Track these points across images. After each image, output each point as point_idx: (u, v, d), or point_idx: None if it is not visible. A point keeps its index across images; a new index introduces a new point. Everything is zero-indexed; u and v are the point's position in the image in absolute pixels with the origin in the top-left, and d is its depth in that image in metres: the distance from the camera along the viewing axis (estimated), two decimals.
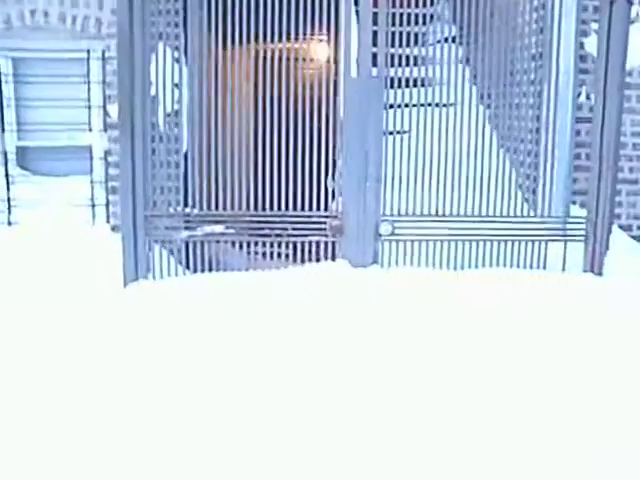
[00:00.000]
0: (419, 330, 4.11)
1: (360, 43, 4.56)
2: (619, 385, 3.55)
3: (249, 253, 4.94)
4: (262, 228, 4.71)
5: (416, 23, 5.16)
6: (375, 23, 4.57)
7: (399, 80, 5.03)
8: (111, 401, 3.34)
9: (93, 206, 5.32)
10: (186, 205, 4.74)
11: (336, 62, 4.91)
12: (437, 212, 4.75)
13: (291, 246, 4.82)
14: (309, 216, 4.72)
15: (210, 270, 4.79)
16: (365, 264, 4.68)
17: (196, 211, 4.71)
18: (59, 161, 5.31)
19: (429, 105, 4.85)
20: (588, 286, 4.66)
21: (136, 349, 3.90)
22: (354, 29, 4.58)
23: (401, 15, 4.95)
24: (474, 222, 4.77)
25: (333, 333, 4.05)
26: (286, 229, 4.69)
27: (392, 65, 4.82)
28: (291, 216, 4.71)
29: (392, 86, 4.83)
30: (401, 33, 4.83)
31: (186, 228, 4.73)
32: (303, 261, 4.85)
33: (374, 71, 4.63)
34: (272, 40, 4.74)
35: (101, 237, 5.17)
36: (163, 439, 3.03)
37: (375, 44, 4.60)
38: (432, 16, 5.35)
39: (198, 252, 4.72)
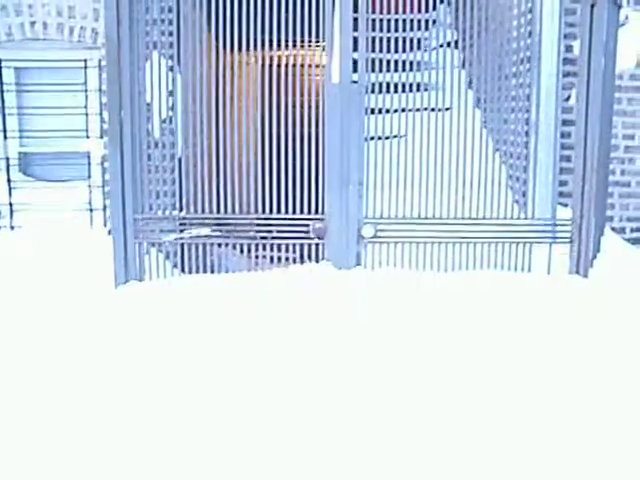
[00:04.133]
0: (401, 330, 4.16)
1: (341, 49, 4.64)
2: (585, 387, 3.57)
3: (247, 256, 5.03)
4: (248, 230, 4.82)
5: (419, 28, 5.22)
6: (356, 29, 4.65)
7: (395, 85, 5.09)
8: (92, 401, 3.40)
9: (91, 210, 5.51)
10: (181, 209, 4.87)
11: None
12: (419, 215, 4.80)
13: (283, 248, 4.91)
14: (293, 218, 4.81)
15: (204, 272, 4.88)
16: (349, 266, 4.75)
17: (183, 214, 4.83)
18: (59, 167, 5.51)
19: (424, 110, 4.90)
20: (571, 287, 4.67)
21: (120, 347, 4.00)
22: (337, 35, 4.66)
23: (402, 21, 4.98)
24: (457, 225, 4.81)
25: (314, 333, 4.12)
26: (271, 231, 4.78)
27: (388, 70, 4.90)
28: (276, 219, 4.81)
29: (388, 91, 4.92)
30: (397, 39, 4.91)
31: (180, 231, 4.84)
32: (288, 262, 4.93)
33: (354, 76, 4.70)
34: (278, 47, 4.84)
35: (98, 240, 5.33)
36: (156, 440, 3.07)
37: (356, 49, 4.68)
38: (434, 21, 5.40)
39: (192, 254, 4.83)
